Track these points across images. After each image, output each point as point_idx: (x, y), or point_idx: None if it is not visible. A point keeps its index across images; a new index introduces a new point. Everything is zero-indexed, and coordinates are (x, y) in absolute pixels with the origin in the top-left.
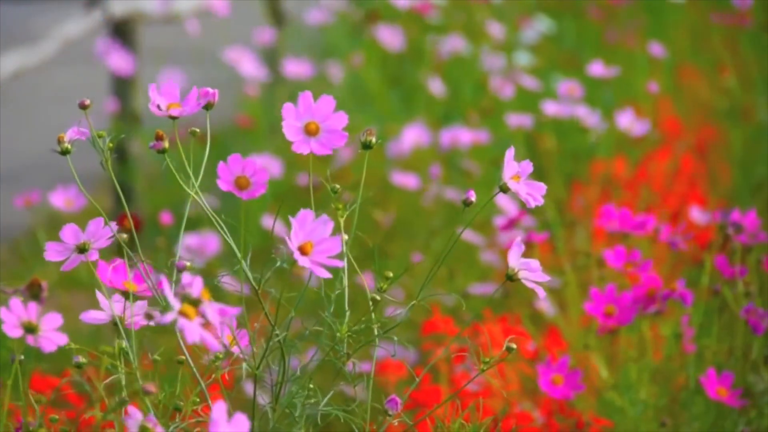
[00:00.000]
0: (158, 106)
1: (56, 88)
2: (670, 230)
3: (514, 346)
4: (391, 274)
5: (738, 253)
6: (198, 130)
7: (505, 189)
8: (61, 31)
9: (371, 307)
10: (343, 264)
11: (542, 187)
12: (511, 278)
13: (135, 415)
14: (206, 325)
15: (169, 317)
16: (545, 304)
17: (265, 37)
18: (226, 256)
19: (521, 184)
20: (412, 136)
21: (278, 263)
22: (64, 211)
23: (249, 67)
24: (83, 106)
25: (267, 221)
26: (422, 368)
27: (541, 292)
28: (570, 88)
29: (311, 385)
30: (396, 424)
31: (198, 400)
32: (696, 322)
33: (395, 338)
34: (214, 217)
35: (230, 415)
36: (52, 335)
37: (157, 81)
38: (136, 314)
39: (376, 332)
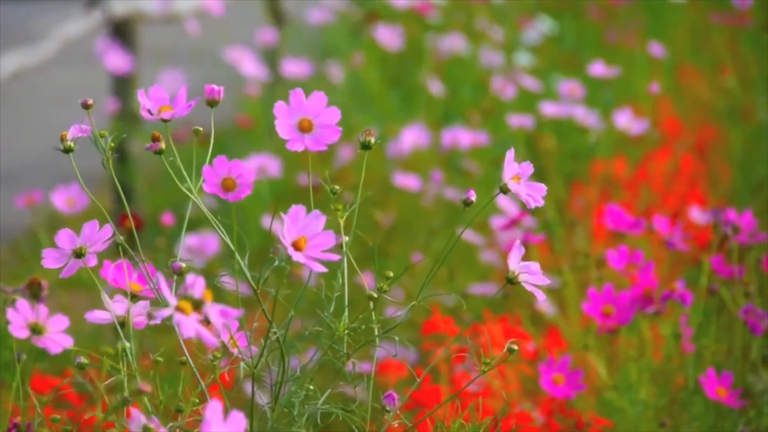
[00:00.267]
0: (149, 111)
1: (56, 88)
2: (669, 230)
3: (516, 347)
4: (391, 274)
5: (735, 253)
6: (201, 129)
7: (505, 190)
8: (61, 31)
9: (371, 307)
10: (338, 257)
11: (542, 188)
12: (511, 281)
13: (137, 417)
14: (207, 324)
15: (165, 313)
16: (545, 304)
17: (265, 37)
18: (226, 256)
19: (522, 185)
20: (412, 137)
21: (276, 262)
22: (66, 211)
23: (249, 67)
24: (86, 106)
25: (267, 221)
26: (422, 368)
27: (540, 296)
28: (571, 89)
29: (310, 386)
30: (395, 424)
31: (197, 400)
32: (695, 322)
33: (396, 338)
34: (211, 218)
35: (227, 413)
36: (58, 337)
37: (157, 81)
38: (138, 314)
39: (376, 332)
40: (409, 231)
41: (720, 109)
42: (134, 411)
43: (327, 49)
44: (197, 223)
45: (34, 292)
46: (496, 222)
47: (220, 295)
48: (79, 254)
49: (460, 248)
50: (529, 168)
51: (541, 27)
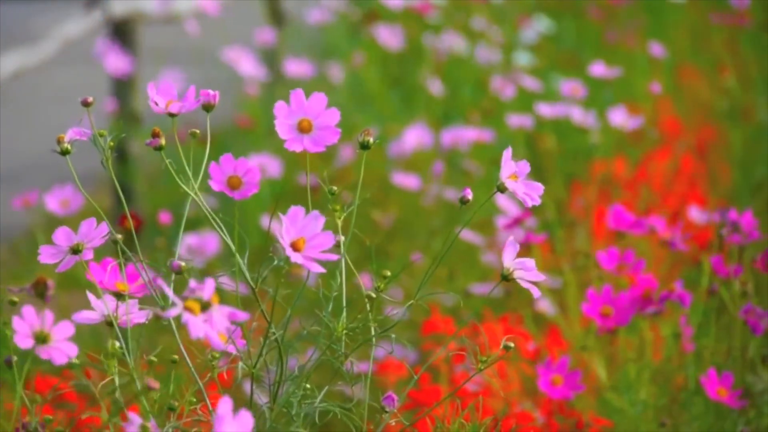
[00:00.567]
0: (156, 103)
1: (56, 88)
2: (668, 230)
3: (512, 345)
4: (388, 273)
5: (735, 252)
6: (198, 132)
7: (502, 188)
8: (61, 31)
9: (368, 306)
10: (337, 258)
11: (539, 186)
12: (506, 278)
13: (135, 420)
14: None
15: (173, 312)
16: (545, 304)
17: (265, 37)
18: (226, 255)
19: (519, 183)
20: (414, 137)
21: (275, 262)
22: (59, 212)
23: (249, 67)
24: (86, 104)
25: (266, 221)
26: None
27: (535, 292)
28: (573, 89)
29: (308, 385)
30: (393, 423)
31: (195, 399)
32: (695, 322)
33: (393, 336)
34: (212, 217)
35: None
36: (63, 345)
37: (157, 81)
38: (130, 312)
39: (373, 331)
40: (410, 231)
41: (720, 109)
42: (131, 413)
43: (327, 49)
44: (197, 223)
45: (40, 292)
46: (498, 222)
47: (219, 295)
48: (75, 251)
49: (461, 249)
50: (525, 166)
51: (539, 27)
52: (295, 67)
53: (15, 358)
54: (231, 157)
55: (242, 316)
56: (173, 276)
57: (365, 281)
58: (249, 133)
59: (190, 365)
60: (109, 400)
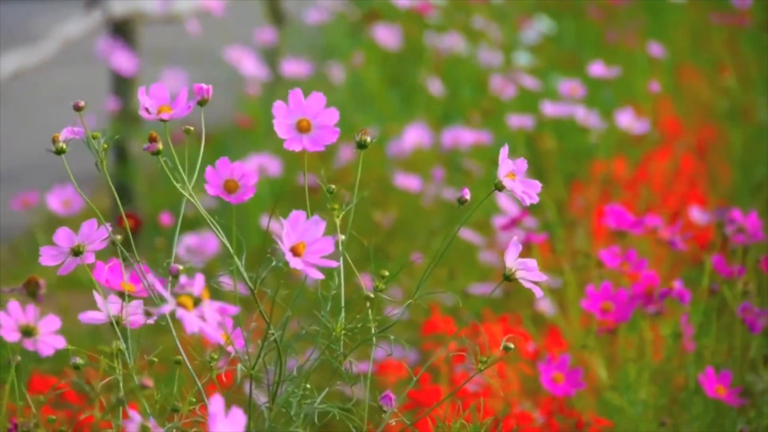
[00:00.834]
0: (147, 110)
1: (56, 88)
2: (668, 230)
3: (512, 345)
4: (387, 273)
5: (738, 253)
6: (192, 129)
7: (500, 187)
8: (61, 31)
9: (367, 306)
10: (336, 264)
11: (537, 184)
12: (508, 278)
13: (134, 418)
14: (204, 322)
15: (167, 308)
16: (545, 304)
17: (265, 36)
18: (225, 256)
19: (516, 181)
20: (414, 137)
21: (274, 263)
22: (62, 212)
23: (249, 66)
24: (77, 108)
25: (266, 221)
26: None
27: (538, 292)
28: (572, 88)
29: (308, 385)
30: (393, 423)
31: (194, 400)
32: (695, 321)
33: (392, 337)
34: (209, 218)
35: (227, 411)
36: (50, 338)
37: (158, 81)
38: (133, 313)
39: (373, 331)
40: (410, 231)
41: (720, 109)
42: (131, 411)
43: (327, 49)
44: (197, 223)
45: (31, 291)
46: (497, 221)
47: (218, 296)
48: (77, 252)
49: (461, 249)
50: (523, 165)
51: (540, 27)
52: (295, 66)
53: (19, 358)
54: (227, 160)
55: (232, 310)
56: (170, 278)
57: (365, 281)
58: (249, 133)
59: (189, 366)
60: (107, 399)
